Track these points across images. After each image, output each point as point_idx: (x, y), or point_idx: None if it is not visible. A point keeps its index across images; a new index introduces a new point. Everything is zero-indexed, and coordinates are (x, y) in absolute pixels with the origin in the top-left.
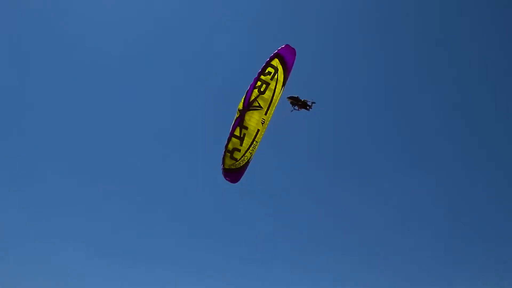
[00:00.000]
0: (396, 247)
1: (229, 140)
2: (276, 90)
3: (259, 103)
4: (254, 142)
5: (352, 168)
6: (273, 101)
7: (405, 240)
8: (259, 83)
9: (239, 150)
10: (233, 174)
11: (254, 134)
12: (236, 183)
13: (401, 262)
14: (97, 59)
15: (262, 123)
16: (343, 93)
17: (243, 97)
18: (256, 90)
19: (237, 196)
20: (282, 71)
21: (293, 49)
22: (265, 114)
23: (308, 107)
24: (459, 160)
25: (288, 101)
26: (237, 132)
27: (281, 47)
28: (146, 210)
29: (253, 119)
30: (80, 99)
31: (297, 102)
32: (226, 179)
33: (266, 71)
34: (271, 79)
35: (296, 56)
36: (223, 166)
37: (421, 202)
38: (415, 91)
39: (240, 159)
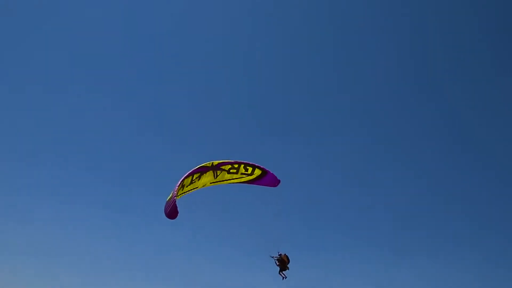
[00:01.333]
0: None
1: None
2: (236, 180)
3: (223, 172)
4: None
5: None
6: (228, 182)
7: None
8: (236, 165)
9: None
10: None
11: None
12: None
13: None
14: None
15: (212, 182)
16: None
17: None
18: (230, 166)
19: None
20: (253, 179)
21: (277, 183)
22: (216, 179)
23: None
24: None
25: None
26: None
27: (271, 179)
28: None
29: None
30: None
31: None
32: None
33: (247, 169)
34: (243, 174)
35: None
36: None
37: None
38: None
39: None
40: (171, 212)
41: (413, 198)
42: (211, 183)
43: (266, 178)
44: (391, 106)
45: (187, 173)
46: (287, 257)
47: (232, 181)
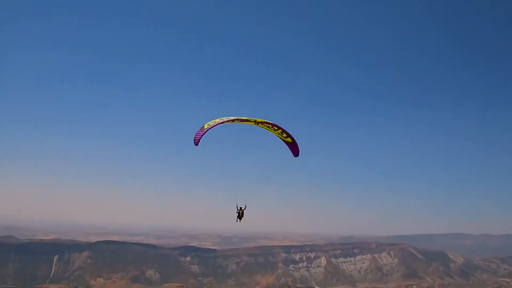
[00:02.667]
0: None
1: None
2: (273, 132)
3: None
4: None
5: None
6: (266, 129)
7: None
8: (275, 127)
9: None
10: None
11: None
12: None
13: None
14: None
15: (250, 120)
16: None
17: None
18: (271, 126)
19: None
20: (284, 141)
21: (297, 155)
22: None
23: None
24: None
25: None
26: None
27: (296, 150)
28: None
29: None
30: None
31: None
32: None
33: (283, 133)
34: (279, 134)
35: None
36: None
37: None
38: None
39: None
40: (195, 140)
41: None
42: (249, 120)
43: (292, 147)
44: None
45: (231, 118)
46: (243, 212)
47: (269, 130)
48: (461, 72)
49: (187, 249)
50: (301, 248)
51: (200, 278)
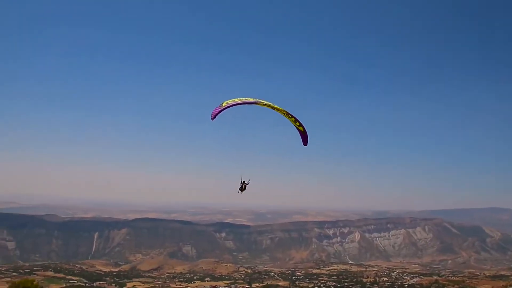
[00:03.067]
0: None
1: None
2: (286, 117)
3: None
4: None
5: None
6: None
7: None
8: (290, 115)
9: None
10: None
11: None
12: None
13: None
14: None
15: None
16: None
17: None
18: (286, 113)
19: None
20: (296, 128)
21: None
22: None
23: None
24: None
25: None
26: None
27: (306, 139)
28: None
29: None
30: None
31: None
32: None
33: (297, 121)
34: (292, 121)
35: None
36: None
37: None
38: None
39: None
40: (212, 115)
41: None
42: (265, 104)
43: (303, 136)
44: None
45: (250, 100)
46: (246, 186)
47: (285, 116)
48: None
49: (222, 225)
50: (334, 224)
51: (235, 253)
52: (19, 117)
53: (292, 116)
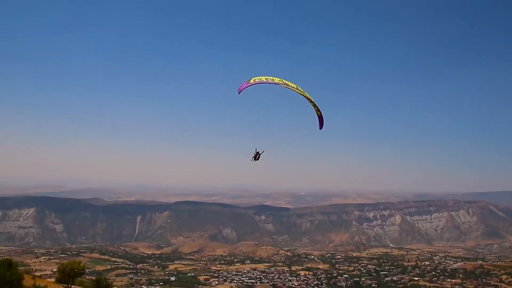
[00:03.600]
0: None
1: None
2: (308, 100)
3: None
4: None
5: None
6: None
7: None
8: (312, 100)
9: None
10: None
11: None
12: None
13: None
14: None
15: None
16: None
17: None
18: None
19: None
20: (315, 106)
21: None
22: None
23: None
24: None
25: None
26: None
27: (322, 122)
28: None
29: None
30: None
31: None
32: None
33: (317, 107)
34: (312, 105)
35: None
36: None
37: None
38: None
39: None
40: (239, 90)
41: None
42: (291, 87)
43: (320, 120)
44: None
45: (276, 80)
46: (259, 155)
47: (306, 97)
48: None
49: (261, 208)
50: (375, 206)
51: (275, 236)
52: (67, 105)
53: (312, 102)
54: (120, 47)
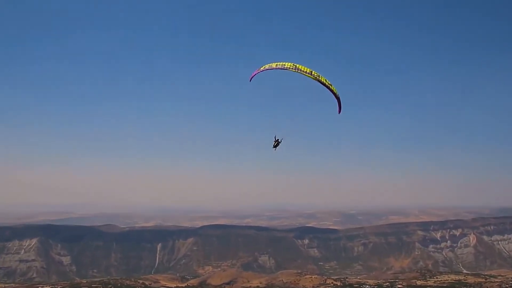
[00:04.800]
0: None
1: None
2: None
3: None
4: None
5: None
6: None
7: None
8: (330, 83)
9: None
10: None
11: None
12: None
13: None
14: None
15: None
16: None
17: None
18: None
19: None
20: (326, 84)
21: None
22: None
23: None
24: None
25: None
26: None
27: (339, 108)
28: None
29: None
30: None
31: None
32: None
33: (334, 92)
34: (330, 90)
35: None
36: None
37: None
38: None
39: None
40: (252, 75)
41: None
42: (306, 72)
43: (338, 104)
44: None
45: (287, 66)
46: (278, 143)
47: (325, 83)
48: None
49: (304, 231)
50: (442, 225)
51: (321, 263)
52: (74, 119)
53: (330, 87)
54: (140, 68)
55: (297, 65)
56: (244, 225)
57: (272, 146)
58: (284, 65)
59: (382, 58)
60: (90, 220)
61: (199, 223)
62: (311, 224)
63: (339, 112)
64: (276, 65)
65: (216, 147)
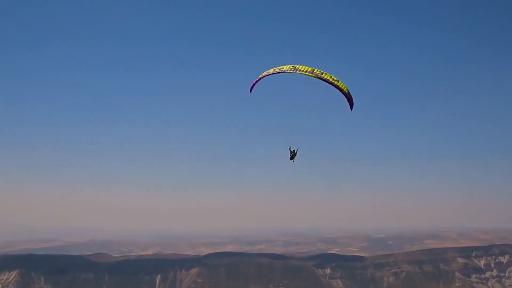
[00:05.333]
0: None
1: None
2: (332, 81)
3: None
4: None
5: None
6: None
7: None
8: (335, 78)
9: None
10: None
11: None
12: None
13: None
14: None
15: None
16: None
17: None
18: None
19: None
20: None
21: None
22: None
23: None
24: None
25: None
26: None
27: (351, 102)
28: None
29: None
30: None
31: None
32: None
33: (342, 89)
34: (338, 86)
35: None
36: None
37: None
38: None
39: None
40: (251, 86)
41: None
42: (307, 72)
43: (348, 100)
44: None
45: (284, 68)
46: (295, 154)
47: (329, 80)
48: None
49: (325, 258)
50: (487, 250)
51: None
52: (60, 132)
53: (337, 80)
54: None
55: (296, 66)
56: (256, 252)
57: (289, 158)
58: (282, 68)
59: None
60: (78, 249)
61: (204, 251)
62: (333, 250)
63: (351, 109)
64: (274, 70)
65: (221, 162)
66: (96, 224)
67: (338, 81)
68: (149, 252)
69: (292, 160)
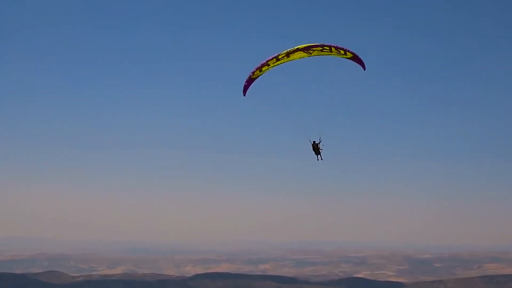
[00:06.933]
0: None
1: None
2: (332, 55)
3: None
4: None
5: None
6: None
7: None
8: (327, 47)
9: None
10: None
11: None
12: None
13: None
14: None
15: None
16: None
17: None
18: (320, 48)
19: None
20: (347, 58)
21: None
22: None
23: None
24: None
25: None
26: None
27: (361, 62)
28: None
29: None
30: None
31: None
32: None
33: (339, 51)
34: (337, 54)
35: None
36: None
37: None
38: None
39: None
40: (244, 89)
41: None
42: (302, 57)
43: (358, 61)
44: None
45: (272, 56)
46: (318, 147)
47: (328, 54)
48: None
49: (351, 283)
50: None
51: None
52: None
53: (335, 48)
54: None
55: (289, 50)
56: (259, 274)
57: (315, 154)
58: (274, 62)
59: None
60: (26, 264)
61: (190, 271)
62: (362, 274)
63: (364, 68)
64: (267, 67)
65: (216, 156)
66: (48, 233)
67: (342, 50)
68: (118, 270)
69: (319, 156)
